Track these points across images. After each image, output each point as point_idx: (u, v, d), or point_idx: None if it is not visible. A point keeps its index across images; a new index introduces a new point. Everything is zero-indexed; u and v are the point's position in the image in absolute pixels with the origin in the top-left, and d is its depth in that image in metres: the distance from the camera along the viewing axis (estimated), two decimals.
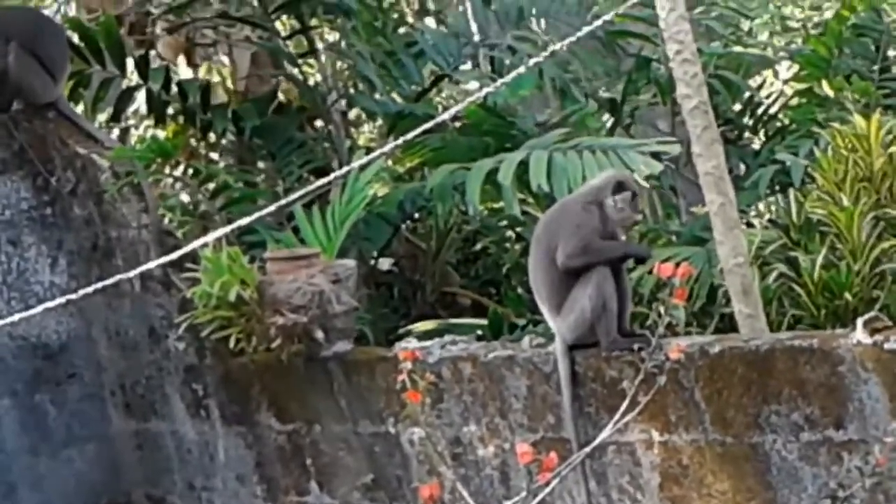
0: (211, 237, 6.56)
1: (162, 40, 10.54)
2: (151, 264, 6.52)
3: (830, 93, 9.06)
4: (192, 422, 8.39)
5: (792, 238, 7.69)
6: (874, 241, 7.29)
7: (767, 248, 7.60)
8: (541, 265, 6.72)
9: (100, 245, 8.65)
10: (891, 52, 9.46)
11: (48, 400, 8.72)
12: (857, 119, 7.57)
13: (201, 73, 10.71)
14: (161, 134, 9.71)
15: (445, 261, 9.11)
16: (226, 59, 10.71)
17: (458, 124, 9.31)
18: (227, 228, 6.40)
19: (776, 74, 10.39)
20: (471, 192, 8.00)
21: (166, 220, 8.85)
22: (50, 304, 6.12)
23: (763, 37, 9.81)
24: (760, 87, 10.01)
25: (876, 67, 9.24)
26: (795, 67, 9.79)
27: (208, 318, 7.61)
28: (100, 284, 6.08)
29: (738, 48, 9.50)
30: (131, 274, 6.29)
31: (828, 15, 9.92)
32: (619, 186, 6.66)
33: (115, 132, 10.41)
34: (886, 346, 5.83)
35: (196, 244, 6.48)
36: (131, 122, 10.74)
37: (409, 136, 6.34)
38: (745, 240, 7.19)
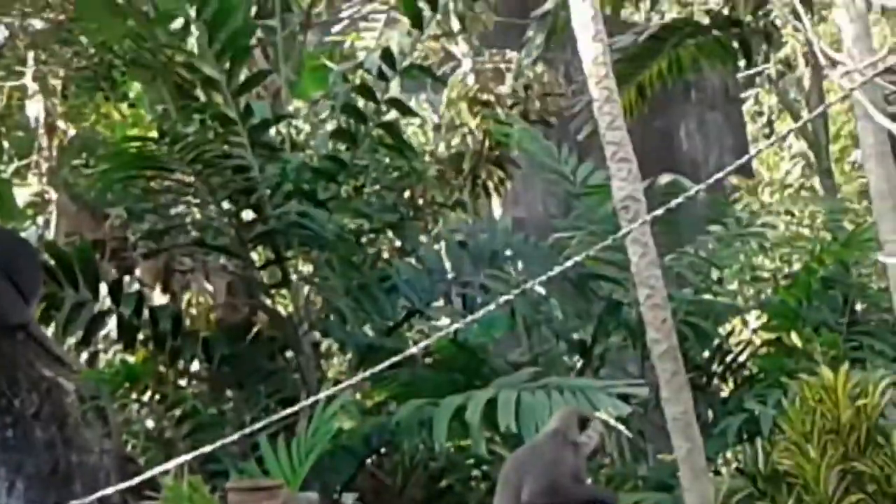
0: (173, 464, 6.48)
1: (141, 265, 10.61)
2: (110, 490, 6.42)
3: (799, 343, 9.11)
4: None
5: (759, 488, 7.62)
6: (841, 494, 7.23)
7: (734, 498, 7.53)
8: None
9: (59, 469, 8.51)
10: (858, 306, 9.56)
11: None
12: (825, 371, 7.59)
13: (179, 298, 10.74)
14: (130, 359, 9.67)
15: (410, 497, 8.99)
16: (203, 286, 10.75)
17: (428, 360, 9.31)
18: (190, 455, 6.33)
19: (745, 323, 10.48)
20: (438, 428, 7.97)
21: (129, 446, 8.74)
22: None
23: (733, 286, 9.93)
24: (730, 335, 10.09)
25: (844, 320, 9.33)
26: (765, 317, 9.88)
27: None
28: None
29: (708, 296, 9.59)
30: (89, 499, 6.19)
31: (797, 267, 10.06)
32: (584, 422, 6.69)
33: (84, 355, 10.38)
34: None
35: (157, 470, 6.40)
36: (101, 346, 10.71)
37: (378, 368, 6.33)
38: (713, 488, 7.14)
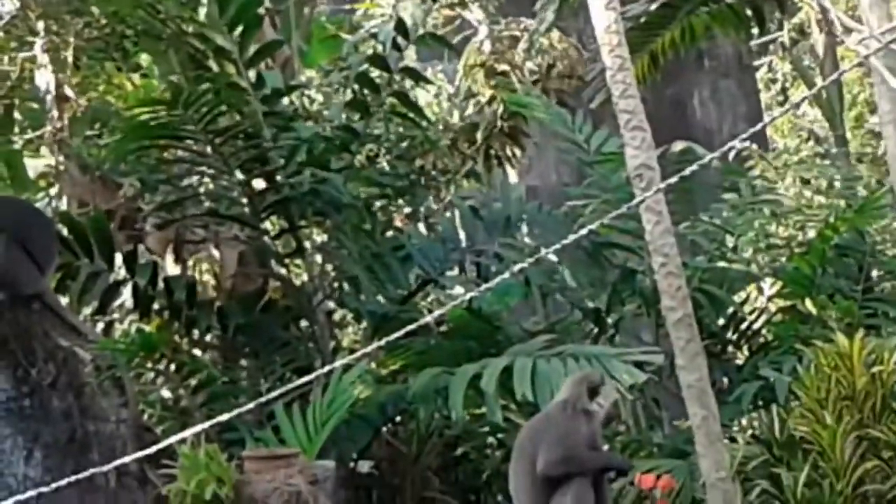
0: (189, 432, 6.48)
1: (151, 235, 10.62)
2: (128, 458, 6.45)
3: (814, 311, 9.11)
4: None
5: (775, 454, 7.63)
6: (857, 461, 7.24)
7: (750, 464, 7.54)
8: (523, 473, 6.67)
9: (76, 438, 8.54)
10: (874, 273, 9.54)
11: None
12: (840, 338, 7.59)
13: (190, 269, 10.76)
14: (146, 328, 9.69)
15: (426, 465, 9.02)
16: (214, 256, 10.77)
17: (443, 328, 9.32)
18: (207, 424, 6.35)
19: (760, 291, 10.47)
20: (454, 397, 7.98)
21: (146, 416, 8.77)
22: (21, 498, 6.02)
23: (748, 253, 9.90)
24: (744, 302, 10.07)
25: (859, 287, 9.31)
26: (779, 284, 9.86)
27: None
28: (74, 478, 5.98)
29: (722, 263, 9.57)
30: (107, 468, 6.20)
31: (812, 234, 10.04)
32: (594, 389, 6.71)
33: (100, 325, 10.41)
34: None
35: (174, 439, 6.41)
36: (116, 315, 10.73)
37: (393, 337, 6.33)
38: (728, 454, 7.15)
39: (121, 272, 9.73)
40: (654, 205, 7.26)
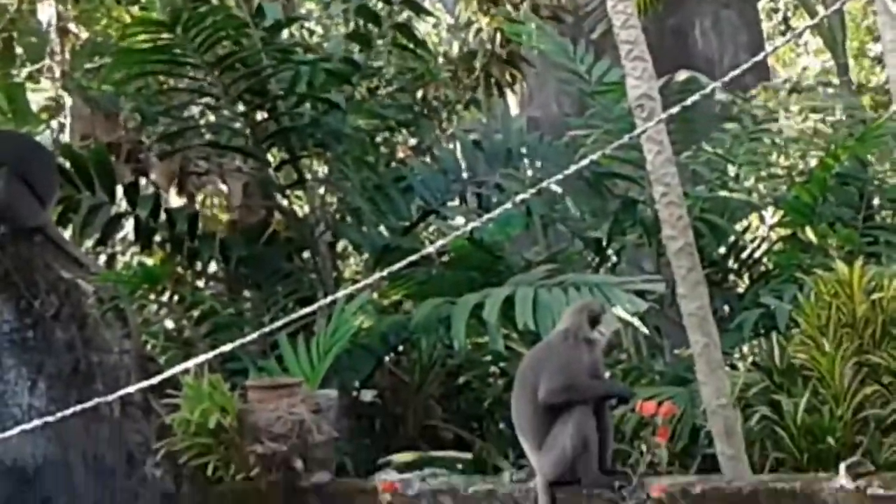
0: (193, 363, 6.53)
1: (155, 168, 10.63)
2: (131, 388, 6.49)
3: (814, 239, 9.12)
4: None
5: (775, 381, 7.68)
6: (857, 387, 7.29)
7: (750, 391, 7.59)
8: (525, 401, 6.73)
9: (80, 369, 8.59)
10: (875, 201, 9.54)
11: None
12: (840, 266, 7.61)
13: (194, 200, 10.77)
14: (148, 261, 9.72)
15: (428, 394, 9.07)
16: (220, 187, 10.79)
17: (444, 259, 9.34)
18: (211, 354, 6.39)
19: (761, 219, 10.46)
20: (455, 326, 8.01)
21: (149, 346, 8.82)
22: (27, 427, 6.07)
23: (749, 182, 9.89)
24: (745, 231, 10.06)
25: (860, 215, 9.31)
26: (780, 213, 9.86)
27: (187, 444, 7.56)
28: (79, 407, 6.03)
29: (723, 193, 9.56)
30: (111, 398, 6.26)
31: (813, 163, 10.02)
32: (595, 318, 6.74)
33: (102, 258, 10.44)
34: (869, 491, 5.82)
35: (178, 369, 6.46)
36: (118, 248, 10.76)
37: (395, 268, 6.35)
38: (729, 381, 7.19)
39: (122, 205, 9.74)
40: (655, 135, 7.26)
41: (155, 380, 6.24)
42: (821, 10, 13.87)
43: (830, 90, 12.98)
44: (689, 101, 6.40)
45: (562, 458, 6.55)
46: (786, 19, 16.75)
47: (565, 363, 6.67)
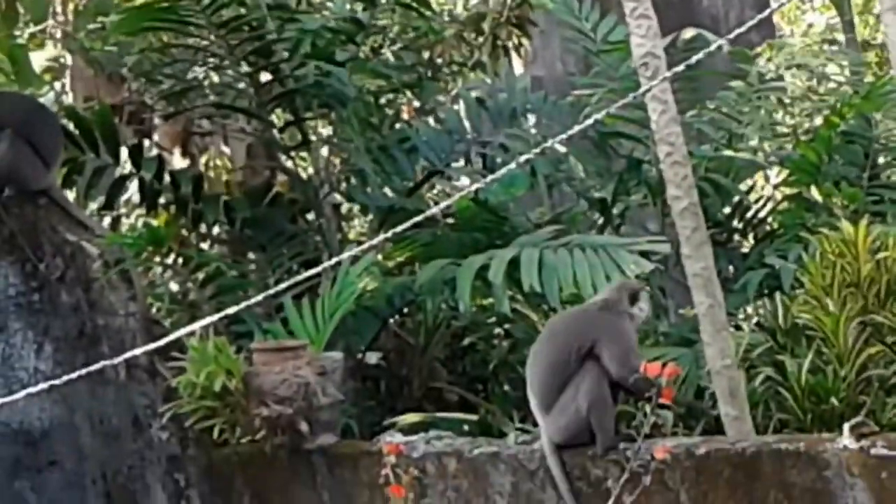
0: (198, 325, 6.52)
1: (159, 129, 10.62)
2: (137, 351, 6.49)
3: (819, 198, 9.10)
4: None
5: (779, 342, 7.69)
6: (861, 347, 7.28)
7: (755, 351, 7.60)
8: (548, 362, 6.71)
9: (86, 332, 8.62)
10: (880, 160, 9.51)
11: (28, 487, 8.63)
12: (845, 225, 7.60)
13: (198, 161, 10.77)
14: (153, 222, 9.73)
15: (433, 356, 9.09)
16: (223, 150, 10.78)
17: (449, 220, 9.33)
18: (216, 317, 6.37)
19: (766, 179, 10.44)
20: (461, 288, 8.02)
21: (154, 309, 8.83)
22: (33, 390, 6.08)
23: (754, 141, 9.84)
24: (750, 190, 10.03)
25: (865, 174, 9.28)
26: (785, 172, 9.83)
27: (193, 407, 7.59)
28: (84, 370, 6.04)
29: (728, 152, 9.52)
30: (116, 360, 6.26)
31: (818, 122, 9.98)
32: (634, 295, 6.77)
33: (107, 220, 10.44)
34: (873, 451, 5.83)
35: (183, 332, 6.44)
36: (123, 210, 10.77)
37: (400, 228, 6.34)
38: (733, 342, 7.19)
39: (127, 166, 9.73)
40: (659, 94, 7.21)
41: (160, 342, 6.25)
42: None
43: (835, 47, 12.93)
44: (694, 59, 6.35)
45: (575, 421, 6.55)
46: None
47: (634, 344, 6.76)
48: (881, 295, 7.42)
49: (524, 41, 12.57)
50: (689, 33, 10.33)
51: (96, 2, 11.39)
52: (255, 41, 9.38)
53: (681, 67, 6.45)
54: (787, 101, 10.27)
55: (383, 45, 10.68)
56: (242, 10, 9.41)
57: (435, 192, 10.51)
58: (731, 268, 9.11)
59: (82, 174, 9.50)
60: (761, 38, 13.22)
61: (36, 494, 8.63)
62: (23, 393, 6.05)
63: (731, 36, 6.45)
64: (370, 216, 9.97)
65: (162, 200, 9.64)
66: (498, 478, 6.85)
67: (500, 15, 12.15)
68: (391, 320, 9.16)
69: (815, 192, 9.18)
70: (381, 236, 7.03)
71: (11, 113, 8.92)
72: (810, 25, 15.39)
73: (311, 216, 9.71)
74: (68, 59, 11.55)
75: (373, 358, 9.06)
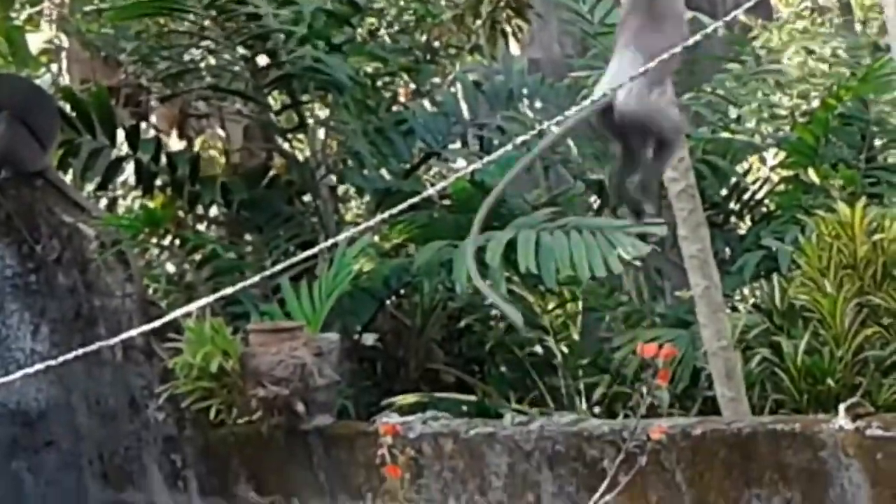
0: (195, 306, 6.50)
1: (156, 111, 10.60)
2: (133, 332, 6.46)
3: (816, 180, 9.09)
4: (170, 493, 8.34)
5: (775, 323, 7.70)
6: (857, 328, 7.30)
7: (751, 333, 7.61)
8: None
9: (83, 313, 8.63)
10: (877, 142, 9.51)
11: (25, 468, 8.66)
12: (842, 207, 7.60)
13: (195, 145, 10.76)
14: (150, 204, 9.72)
15: (429, 337, 9.09)
16: (219, 132, 10.76)
17: (446, 202, 9.32)
18: (212, 297, 6.34)
19: (763, 161, 10.43)
20: (458, 270, 8.00)
21: (151, 290, 8.83)
22: (30, 371, 6.08)
23: (751, 123, 9.84)
24: (747, 172, 10.03)
25: (862, 156, 9.27)
26: (782, 154, 9.83)
27: (189, 388, 7.60)
28: (81, 351, 6.03)
29: (725, 134, 9.51)
30: (113, 341, 6.24)
31: (815, 104, 9.97)
32: None
33: (103, 202, 10.44)
34: (868, 432, 5.83)
35: (179, 312, 6.44)
36: (119, 192, 10.76)
37: (396, 210, 6.33)
38: (729, 324, 7.20)
39: (123, 148, 9.72)
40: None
41: (157, 323, 6.22)
42: None
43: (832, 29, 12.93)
44: (691, 42, 6.32)
45: None
46: None
47: None
48: (877, 276, 7.43)
49: (522, 24, 12.57)
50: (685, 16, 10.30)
51: None
52: (251, 24, 9.35)
53: (678, 49, 6.42)
54: (783, 83, 10.25)
55: (380, 28, 10.65)
56: None
57: (432, 174, 10.51)
58: (727, 250, 9.11)
59: (78, 156, 9.47)
60: (758, 19, 13.23)
61: (33, 475, 8.65)
62: (20, 374, 6.04)
63: (728, 18, 6.44)
64: (367, 198, 9.97)
65: (158, 182, 9.62)
66: (494, 458, 6.86)
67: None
68: (388, 302, 9.16)
69: (812, 174, 9.17)
70: (378, 217, 7.02)
71: (8, 95, 8.92)
72: (807, 7, 15.35)
73: (307, 198, 9.70)
74: (64, 42, 11.53)
75: (369, 339, 9.07)
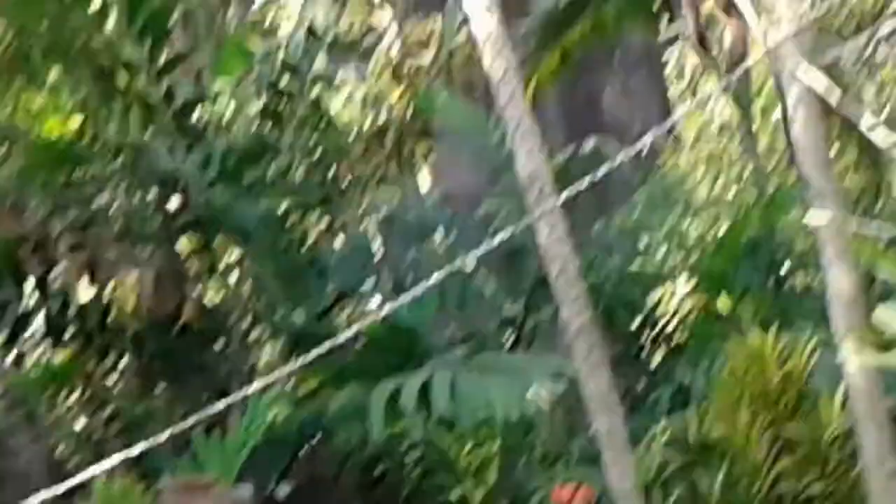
0: (102, 467, 6.39)
1: (66, 258, 10.46)
2: (42, 495, 6.34)
3: (726, 309, 9.12)
4: None
5: (692, 458, 7.64)
6: (771, 461, 7.26)
7: (668, 469, 7.54)
8: None
9: None
10: (786, 265, 9.57)
11: None
12: (753, 336, 7.60)
13: (106, 292, 10.62)
14: (58, 357, 9.58)
15: (345, 485, 8.96)
16: (130, 278, 10.63)
17: (361, 344, 9.24)
18: (119, 458, 6.24)
19: (673, 290, 10.45)
20: (374, 416, 7.93)
21: (61, 447, 8.66)
22: None
23: (661, 251, 9.89)
24: (659, 303, 10.04)
25: (771, 281, 9.32)
26: (693, 282, 9.86)
27: None
28: None
29: (636, 265, 9.55)
30: None
31: (724, 228, 10.02)
32: None
33: (12, 355, 10.24)
34: None
35: (87, 474, 6.31)
36: (25, 347, 10.58)
37: (309, 358, 6.24)
38: (635, 464, 7.10)
39: (33, 298, 9.58)
40: (548, 213, 7.08)
41: (64, 486, 6.10)
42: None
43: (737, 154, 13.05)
44: (599, 174, 6.27)
45: None
46: (693, 82, 16.81)
47: None
48: (790, 406, 7.40)
49: (429, 152, 12.65)
50: (590, 144, 10.40)
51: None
52: (162, 168, 9.31)
53: (584, 185, 6.36)
54: (692, 207, 10.32)
55: (291, 165, 10.65)
56: (148, 136, 9.34)
57: (345, 314, 10.44)
58: (642, 383, 9.08)
59: None
60: (665, 138, 13.36)
61: None
62: None
63: (634, 148, 6.44)
64: (281, 342, 9.87)
65: (67, 335, 9.49)
66: None
67: (402, 127, 12.22)
68: (302, 450, 9.03)
69: (722, 302, 9.20)
70: (290, 365, 6.92)
71: None
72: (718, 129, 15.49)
73: (219, 346, 9.60)
74: None
75: (283, 490, 8.92)
